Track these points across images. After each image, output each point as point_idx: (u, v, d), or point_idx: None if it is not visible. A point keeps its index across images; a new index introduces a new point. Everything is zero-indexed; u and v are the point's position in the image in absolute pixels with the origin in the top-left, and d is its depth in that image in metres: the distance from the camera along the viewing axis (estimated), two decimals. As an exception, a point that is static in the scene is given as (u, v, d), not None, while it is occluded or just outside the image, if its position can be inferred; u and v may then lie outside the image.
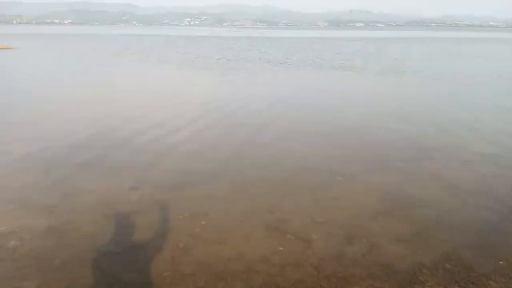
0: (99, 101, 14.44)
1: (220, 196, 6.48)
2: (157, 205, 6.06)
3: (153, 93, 16.55)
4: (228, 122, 11.49)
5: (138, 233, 5.25)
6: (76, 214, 5.74)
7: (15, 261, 4.58)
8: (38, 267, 4.47)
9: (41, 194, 6.41)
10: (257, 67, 26.33)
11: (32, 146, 8.79)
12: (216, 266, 4.58)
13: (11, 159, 8.00)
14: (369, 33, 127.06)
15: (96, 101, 14.43)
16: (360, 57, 34.73)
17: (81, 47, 47.27)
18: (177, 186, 6.84)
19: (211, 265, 4.60)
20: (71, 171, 7.45)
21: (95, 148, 8.79)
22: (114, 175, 7.29)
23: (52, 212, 5.77)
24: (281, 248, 4.98)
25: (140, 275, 4.41)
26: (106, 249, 4.87)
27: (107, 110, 12.88)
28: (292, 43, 58.83)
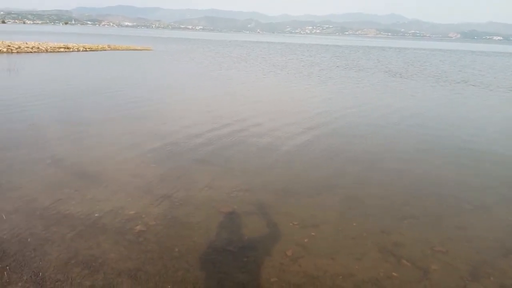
0: (220, 101, 15.28)
1: (332, 209, 6.30)
2: (268, 209, 6.12)
3: (271, 98, 16.98)
4: (347, 133, 11.21)
5: (249, 234, 5.35)
6: (195, 207, 6.08)
7: (141, 244, 5.01)
8: (159, 253, 4.82)
9: (164, 184, 6.96)
10: (376, 77, 25.36)
11: (159, 141, 9.61)
12: (324, 281, 4.43)
13: (141, 151, 8.84)
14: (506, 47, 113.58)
15: (217, 101, 15.30)
16: (493, 72, 31.20)
17: (208, 51, 50.80)
18: (289, 192, 6.85)
19: (319, 279, 4.47)
20: (192, 166, 7.96)
21: (214, 146, 9.28)
22: (230, 174, 7.59)
23: (174, 203, 6.20)
24: (394, 274, 4.63)
25: (249, 276, 4.47)
26: (220, 245, 5.06)
27: (226, 111, 13.54)
28: (419, 54, 55.44)
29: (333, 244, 5.21)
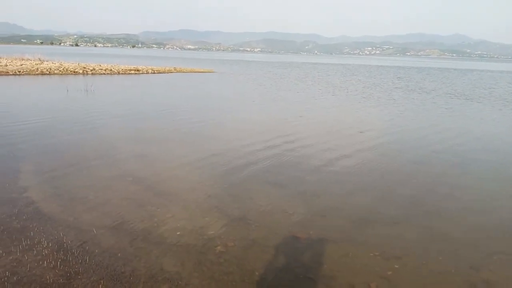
0: (281, 122, 15.37)
1: (413, 239, 6.05)
2: (346, 237, 6.01)
3: (331, 119, 16.82)
4: (414, 159, 10.81)
5: (328, 262, 5.27)
6: (270, 230, 6.11)
7: (222, 266, 5.10)
8: (241, 276, 4.88)
9: (238, 205, 7.06)
10: (440, 100, 24.33)
11: (228, 162, 9.82)
12: (412, 318, 4.23)
13: (212, 171, 9.07)
14: None
15: (278, 122, 15.40)
16: None
17: (266, 72, 51.59)
18: (365, 220, 6.68)
19: (407, 315, 4.28)
20: (263, 188, 8.03)
21: (282, 169, 9.31)
22: (302, 198, 7.56)
23: (250, 225, 6.27)
24: (490, 316, 4.32)
25: (332, 306, 4.38)
26: (300, 272, 5.02)
27: (289, 132, 13.57)
28: (486, 76, 52.61)
29: (419, 279, 4.97)
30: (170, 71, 44.65)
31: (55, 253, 5.09)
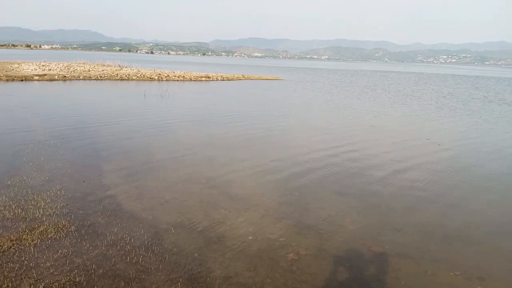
0: (350, 131, 15.01)
1: (500, 260, 5.60)
2: (424, 253, 5.70)
3: (401, 130, 16.12)
4: (491, 173, 10.03)
5: (406, 280, 5.03)
6: (343, 242, 5.97)
7: (294, 274, 5.07)
8: (314, 286, 4.81)
9: (310, 214, 7.00)
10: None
11: (297, 168, 9.77)
12: None
13: (282, 177, 9.08)
14: None
15: (347, 131, 15.06)
16: None
17: (333, 80, 50.86)
18: (446, 236, 6.30)
19: None
20: (333, 197, 7.88)
21: (353, 179, 9.08)
22: (375, 210, 7.31)
23: (321, 234, 6.18)
24: None
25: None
26: (375, 287, 4.85)
27: (357, 140, 13.21)
28: None
29: (509, 305, 4.59)
30: (238, 78, 45.64)
31: (137, 249, 5.38)
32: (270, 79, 48.08)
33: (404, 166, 10.51)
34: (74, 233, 5.74)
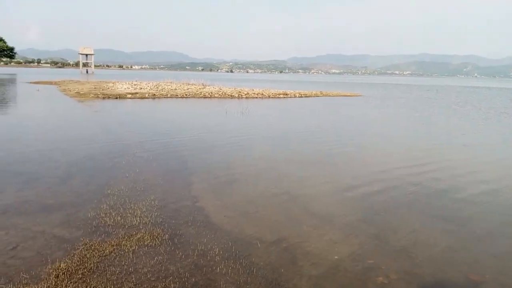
0: (427, 147, 14.11)
1: None
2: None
3: (493, 148, 14.79)
4: None
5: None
6: (437, 268, 5.59)
7: (385, 297, 4.85)
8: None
9: (399, 236, 6.67)
10: None
11: (379, 186, 9.39)
12: None
13: (363, 196, 8.78)
14: None
15: (424, 147, 14.18)
16: None
17: (417, 97, 48.47)
18: (558, 271, 5.63)
19: None
20: (424, 219, 7.44)
21: (443, 202, 8.51)
22: (473, 237, 6.77)
23: (413, 259, 5.85)
24: None
25: None
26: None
27: (442, 160, 12.37)
28: None
29: None
30: (316, 95, 45.50)
31: (226, 261, 5.53)
32: (349, 96, 47.27)
33: (499, 187, 9.64)
34: (168, 241, 6.06)
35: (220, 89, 44.31)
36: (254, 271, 5.30)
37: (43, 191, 8.35)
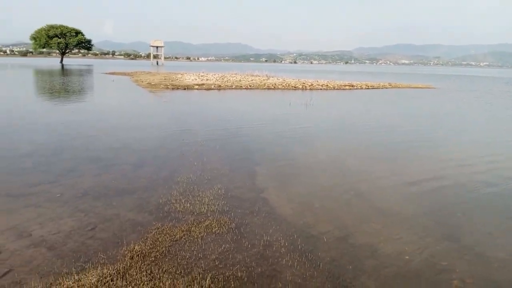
0: (504, 144, 12.96)
1: None
2: None
3: None
4: None
5: None
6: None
7: (461, 303, 4.57)
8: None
9: (476, 237, 6.25)
10: None
11: (441, 185, 8.83)
12: None
13: (436, 192, 8.30)
14: None
15: (500, 144, 13.05)
16: None
17: (494, 89, 44.90)
18: None
19: None
20: (492, 219, 6.90)
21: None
22: None
23: (491, 264, 5.45)
24: None
25: None
26: None
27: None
28: None
29: None
30: (384, 87, 43.84)
31: (291, 253, 5.52)
32: (420, 88, 44.99)
33: None
34: (235, 230, 6.17)
35: (284, 81, 44.20)
36: (320, 265, 5.23)
37: (118, 177, 8.87)
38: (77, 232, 6.02)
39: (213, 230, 6.13)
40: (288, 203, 7.51)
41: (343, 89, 40.23)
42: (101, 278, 4.70)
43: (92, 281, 4.64)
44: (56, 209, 6.89)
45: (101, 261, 5.16)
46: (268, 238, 5.94)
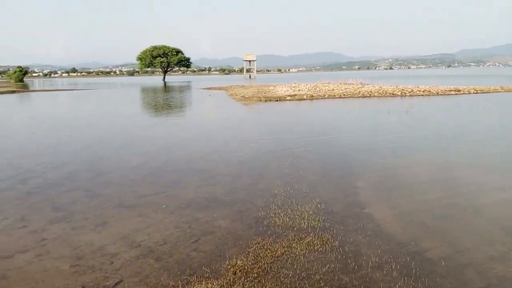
0: None
1: None
2: None
3: None
4: None
5: None
6: None
7: None
8: None
9: None
10: None
11: None
12: None
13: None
14: None
15: None
16: None
17: None
18: None
19: None
20: None
21: None
22: None
23: None
24: None
25: None
26: None
27: None
28: None
29: None
30: (496, 91, 39.64)
31: (405, 278, 4.97)
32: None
33: None
34: (338, 248, 5.79)
35: (380, 88, 42.27)
36: (441, 294, 4.63)
37: (218, 188, 9.03)
38: (182, 244, 6.15)
39: (316, 248, 5.82)
40: (396, 221, 6.90)
41: (448, 94, 37.23)
42: (206, 293, 4.67)
43: (197, 296, 4.62)
44: (163, 220, 7.16)
45: (205, 275, 5.16)
46: (377, 260, 5.45)
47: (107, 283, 5.04)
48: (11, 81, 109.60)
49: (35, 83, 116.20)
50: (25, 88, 77.06)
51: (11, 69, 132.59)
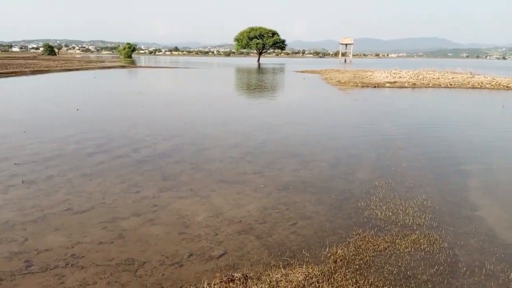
0: None
1: None
2: None
3: None
4: None
5: None
6: None
7: None
8: None
9: None
10: None
11: None
12: None
13: None
14: None
15: None
16: None
17: None
18: None
19: None
20: None
21: None
22: None
23: None
24: None
25: None
26: None
27: None
28: None
29: None
30: None
31: None
32: None
33: None
34: (448, 251, 5.41)
35: (493, 79, 38.26)
36: None
37: (315, 174, 8.97)
38: (280, 225, 6.25)
39: (422, 247, 5.50)
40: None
41: None
42: (307, 278, 4.68)
43: (299, 279, 4.66)
44: (261, 200, 7.33)
45: (305, 259, 5.17)
46: (491, 268, 5.00)
47: (213, 254, 5.31)
48: (121, 56, 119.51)
49: (141, 59, 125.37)
50: (132, 64, 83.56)
51: (121, 45, 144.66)
